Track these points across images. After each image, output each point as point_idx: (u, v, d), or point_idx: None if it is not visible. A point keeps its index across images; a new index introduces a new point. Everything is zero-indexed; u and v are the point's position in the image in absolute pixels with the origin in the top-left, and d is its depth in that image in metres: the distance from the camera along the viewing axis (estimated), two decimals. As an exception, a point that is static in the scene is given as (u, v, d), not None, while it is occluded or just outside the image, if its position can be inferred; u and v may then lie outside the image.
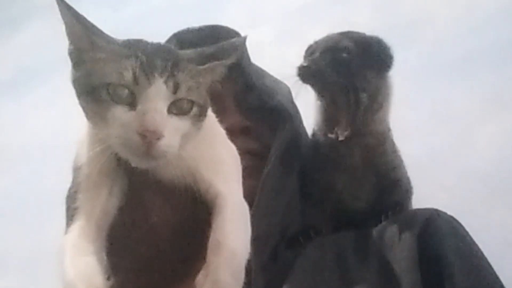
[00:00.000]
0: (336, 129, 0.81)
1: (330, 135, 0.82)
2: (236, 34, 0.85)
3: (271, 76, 0.90)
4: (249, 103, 0.84)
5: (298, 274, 0.71)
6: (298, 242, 0.78)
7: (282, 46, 1.52)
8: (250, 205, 0.75)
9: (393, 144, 0.87)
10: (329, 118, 0.84)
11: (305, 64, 0.82)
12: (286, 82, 0.91)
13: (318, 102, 0.86)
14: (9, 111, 1.88)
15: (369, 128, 0.83)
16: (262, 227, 0.74)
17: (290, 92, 0.91)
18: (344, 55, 0.82)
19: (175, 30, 0.88)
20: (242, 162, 0.80)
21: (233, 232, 0.57)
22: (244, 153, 0.81)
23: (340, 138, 0.80)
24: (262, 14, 1.78)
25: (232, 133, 0.80)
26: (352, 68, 0.82)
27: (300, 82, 0.83)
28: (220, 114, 0.82)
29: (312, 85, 0.84)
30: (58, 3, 0.56)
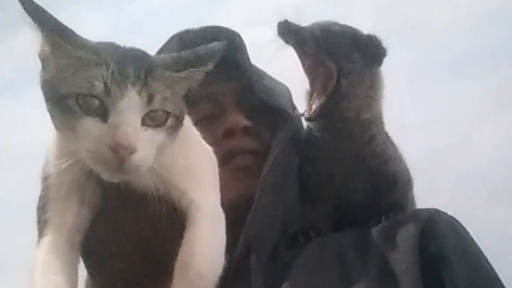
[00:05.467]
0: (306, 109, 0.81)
1: (297, 113, 0.82)
2: (237, 35, 0.85)
3: (270, 77, 0.90)
4: (249, 103, 0.84)
5: (298, 274, 0.71)
6: (298, 242, 0.78)
7: (282, 46, 1.52)
8: (250, 204, 0.76)
9: (386, 136, 0.84)
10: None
11: (286, 19, 0.81)
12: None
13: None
14: (9, 111, 1.88)
15: (349, 115, 0.80)
16: (262, 227, 0.74)
17: (289, 93, 0.91)
18: (331, 32, 0.81)
19: (175, 30, 0.88)
20: (242, 162, 0.80)
21: (203, 250, 0.56)
22: (245, 152, 0.81)
23: (305, 116, 0.81)
24: (262, 14, 1.78)
25: (233, 133, 0.81)
26: (336, 45, 0.80)
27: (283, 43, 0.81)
28: (221, 114, 0.82)
29: (292, 45, 0.82)
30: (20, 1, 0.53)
